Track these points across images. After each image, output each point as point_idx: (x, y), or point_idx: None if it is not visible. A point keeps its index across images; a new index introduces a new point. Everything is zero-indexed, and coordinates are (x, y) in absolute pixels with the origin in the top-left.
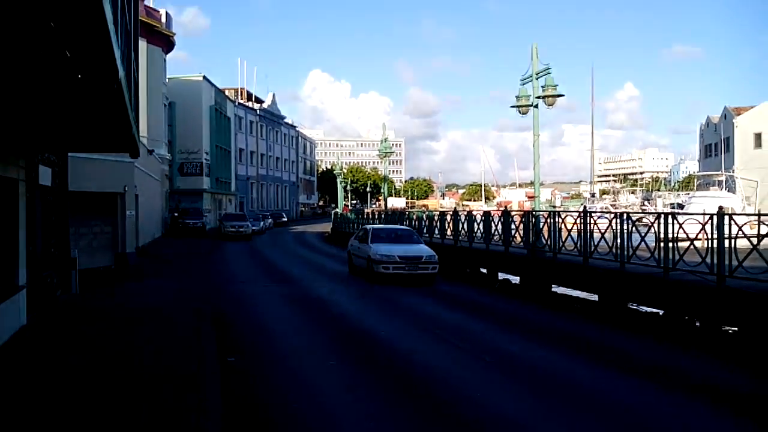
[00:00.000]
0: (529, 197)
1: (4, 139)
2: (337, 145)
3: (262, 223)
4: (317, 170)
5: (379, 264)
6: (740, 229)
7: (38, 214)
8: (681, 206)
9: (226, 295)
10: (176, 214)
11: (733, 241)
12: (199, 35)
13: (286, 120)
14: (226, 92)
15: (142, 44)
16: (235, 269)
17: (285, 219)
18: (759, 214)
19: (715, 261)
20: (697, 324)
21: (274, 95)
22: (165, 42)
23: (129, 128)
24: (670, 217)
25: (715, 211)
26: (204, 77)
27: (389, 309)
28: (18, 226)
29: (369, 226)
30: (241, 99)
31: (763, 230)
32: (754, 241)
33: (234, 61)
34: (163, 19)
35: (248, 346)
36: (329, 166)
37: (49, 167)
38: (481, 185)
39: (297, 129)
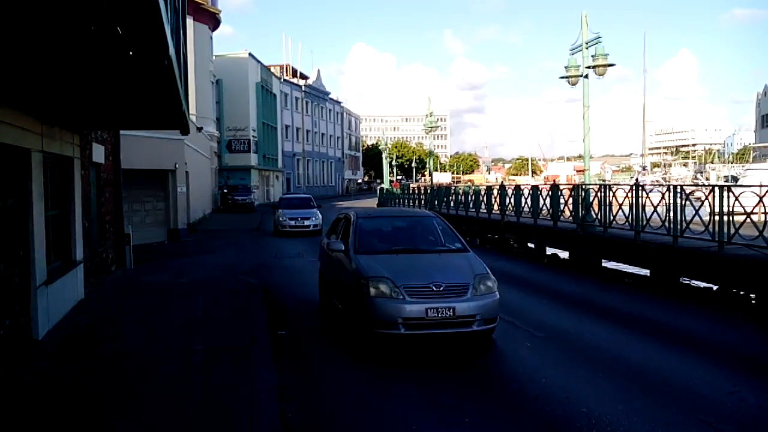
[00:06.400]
0: (577, 171)
1: (60, 117)
2: (381, 120)
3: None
4: (362, 146)
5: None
6: None
7: (93, 191)
8: (735, 179)
9: (276, 269)
10: (225, 191)
11: None
12: (243, 10)
13: (330, 96)
14: (272, 69)
15: (189, 21)
16: (282, 244)
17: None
18: None
19: None
20: (753, 299)
21: (318, 71)
22: (211, 19)
23: (179, 105)
24: (725, 189)
25: None
26: (250, 54)
27: None
28: (74, 203)
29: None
30: (287, 75)
31: None
32: None
33: (278, 37)
34: None
35: (296, 320)
36: (374, 142)
37: (102, 145)
38: (527, 159)
39: (342, 105)
